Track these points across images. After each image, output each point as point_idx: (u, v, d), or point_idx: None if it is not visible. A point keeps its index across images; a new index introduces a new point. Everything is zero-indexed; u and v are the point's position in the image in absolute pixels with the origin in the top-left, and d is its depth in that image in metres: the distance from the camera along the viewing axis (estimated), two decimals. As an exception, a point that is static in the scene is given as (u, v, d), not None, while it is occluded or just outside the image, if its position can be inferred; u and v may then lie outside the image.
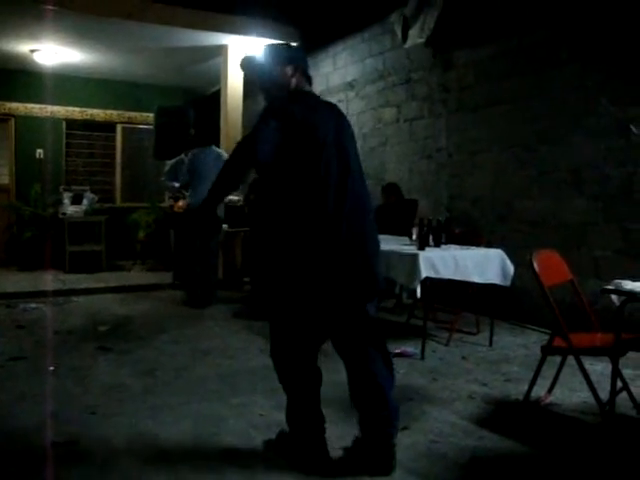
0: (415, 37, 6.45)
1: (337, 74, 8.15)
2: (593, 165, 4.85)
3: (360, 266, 2.47)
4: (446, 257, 4.31)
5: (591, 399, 3.03)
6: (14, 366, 4.03)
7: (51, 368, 3.95)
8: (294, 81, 2.59)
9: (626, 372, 3.49)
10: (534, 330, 5.19)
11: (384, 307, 5.91)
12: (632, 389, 3.27)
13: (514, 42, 5.52)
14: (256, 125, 2.40)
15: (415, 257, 4.13)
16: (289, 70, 2.58)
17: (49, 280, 7.47)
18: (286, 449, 2.66)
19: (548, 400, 3.44)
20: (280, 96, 2.56)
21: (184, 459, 2.65)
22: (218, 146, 6.99)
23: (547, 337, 3.24)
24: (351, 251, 2.44)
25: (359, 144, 3.02)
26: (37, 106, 9.47)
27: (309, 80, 2.68)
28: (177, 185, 6.28)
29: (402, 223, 5.60)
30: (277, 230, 2.50)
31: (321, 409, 2.63)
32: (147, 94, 9.88)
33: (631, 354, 4.07)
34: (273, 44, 2.89)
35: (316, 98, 2.68)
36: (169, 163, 7.26)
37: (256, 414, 3.18)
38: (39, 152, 9.50)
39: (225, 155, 6.59)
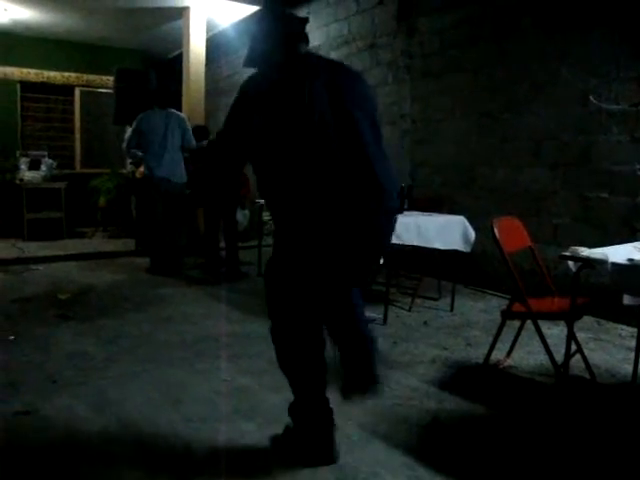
0: None
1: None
2: (553, 134, 4.92)
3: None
4: (409, 223, 4.34)
5: (547, 361, 3.12)
6: (-28, 335, 3.96)
7: (11, 337, 3.89)
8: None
9: (580, 335, 3.61)
10: (494, 295, 5.31)
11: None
12: (585, 352, 3.38)
13: (478, 9, 5.51)
14: None
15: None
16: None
17: (7, 248, 7.31)
18: (294, 445, 2.42)
19: (507, 363, 3.54)
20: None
21: (149, 426, 2.65)
22: (179, 110, 6.82)
23: (507, 302, 3.31)
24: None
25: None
26: (-13, 67, 9.06)
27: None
28: (140, 153, 6.12)
29: None
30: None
31: (328, 402, 2.39)
32: (105, 57, 9.57)
33: (586, 318, 4.23)
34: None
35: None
36: (129, 130, 7.01)
37: (220, 380, 3.19)
38: (-8, 115, 9.16)
39: (178, 113, 6.43)
